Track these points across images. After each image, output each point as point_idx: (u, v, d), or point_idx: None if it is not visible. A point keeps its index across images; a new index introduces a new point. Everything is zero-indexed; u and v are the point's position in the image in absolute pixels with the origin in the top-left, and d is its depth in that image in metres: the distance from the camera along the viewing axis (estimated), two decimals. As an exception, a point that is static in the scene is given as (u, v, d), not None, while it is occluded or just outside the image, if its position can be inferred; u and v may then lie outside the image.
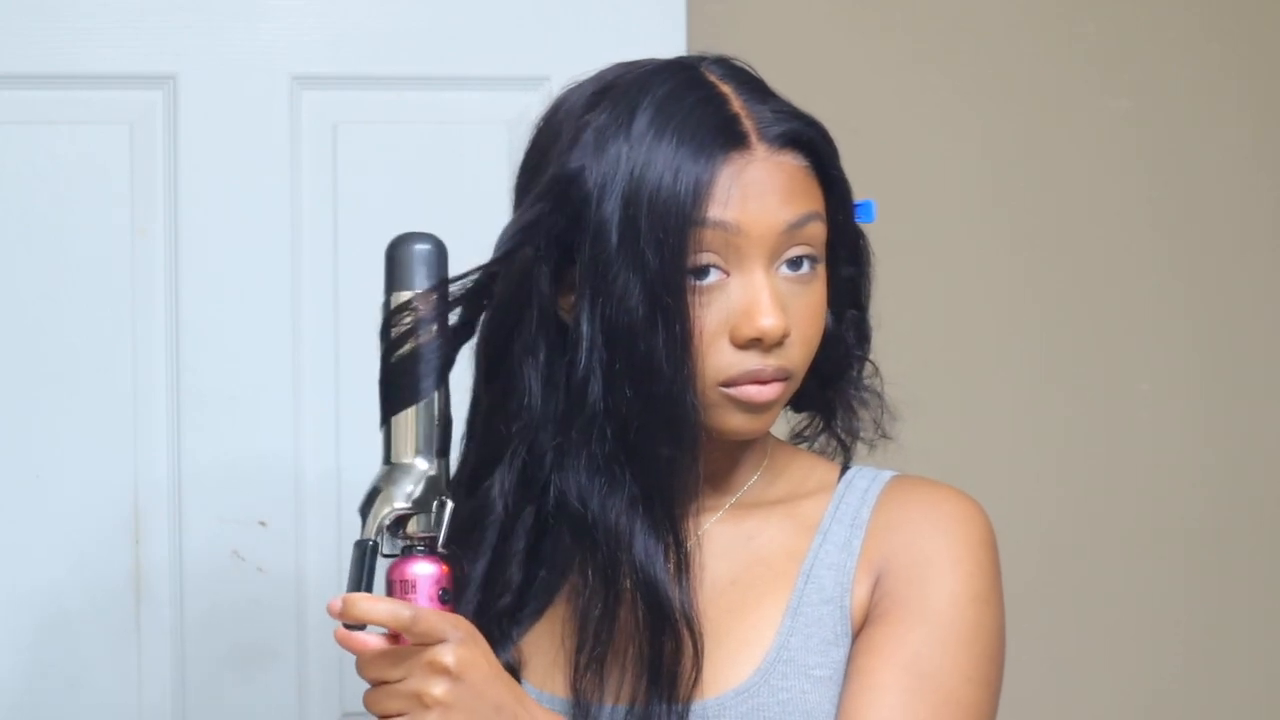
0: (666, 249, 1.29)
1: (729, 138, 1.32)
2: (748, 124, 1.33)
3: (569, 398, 1.33)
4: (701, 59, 1.38)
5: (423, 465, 1.31)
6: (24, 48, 2.18)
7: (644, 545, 1.32)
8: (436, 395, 1.32)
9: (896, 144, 2.47)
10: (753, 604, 1.38)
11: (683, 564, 1.34)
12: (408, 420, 1.31)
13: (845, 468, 1.45)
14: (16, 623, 2.18)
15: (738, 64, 1.38)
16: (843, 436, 1.46)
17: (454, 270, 1.34)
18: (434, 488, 1.31)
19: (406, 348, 1.31)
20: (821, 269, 1.36)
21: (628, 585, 1.33)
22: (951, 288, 2.51)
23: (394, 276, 1.32)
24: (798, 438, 1.48)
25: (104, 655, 2.19)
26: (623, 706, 1.35)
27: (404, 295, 1.31)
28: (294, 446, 2.20)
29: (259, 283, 2.21)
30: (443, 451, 1.32)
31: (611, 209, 1.30)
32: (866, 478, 1.42)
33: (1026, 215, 2.53)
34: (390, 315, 1.31)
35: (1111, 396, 2.55)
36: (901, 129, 2.48)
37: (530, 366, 1.35)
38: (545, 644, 1.40)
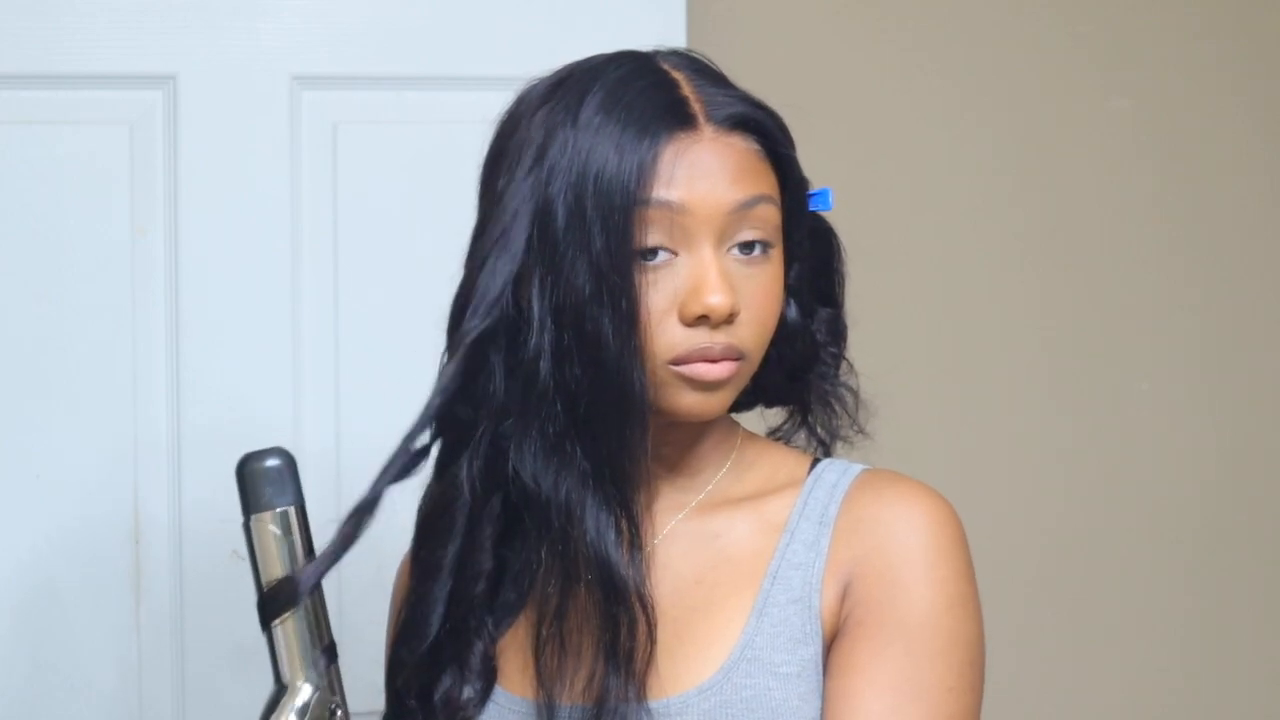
0: (612, 227, 1.30)
1: (675, 118, 1.33)
2: (696, 106, 1.34)
3: (523, 378, 1.34)
4: (657, 51, 1.39)
5: (309, 688, 1.38)
6: (24, 48, 2.19)
7: (595, 521, 1.33)
8: (309, 601, 1.38)
9: (896, 143, 2.47)
10: (718, 603, 1.37)
11: (635, 541, 1.34)
12: (288, 633, 1.38)
13: (817, 460, 1.44)
14: (16, 621, 2.18)
15: (695, 55, 1.39)
16: (821, 435, 1.46)
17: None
18: (323, 703, 1.38)
19: (278, 570, 1.39)
20: (776, 254, 1.36)
21: (581, 564, 1.33)
22: (951, 286, 2.51)
23: (250, 497, 1.42)
24: (774, 434, 1.48)
25: (103, 655, 2.19)
26: (582, 706, 1.35)
27: (264, 517, 1.41)
28: (294, 446, 2.19)
29: (259, 283, 2.22)
30: (330, 656, 1.39)
31: (559, 189, 1.32)
32: (836, 471, 1.41)
33: (1026, 214, 2.53)
34: (252, 537, 1.40)
35: (1110, 395, 2.55)
36: (901, 128, 2.48)
37: (494, 350, 1.35)
38: (517, 648, 1.41)
